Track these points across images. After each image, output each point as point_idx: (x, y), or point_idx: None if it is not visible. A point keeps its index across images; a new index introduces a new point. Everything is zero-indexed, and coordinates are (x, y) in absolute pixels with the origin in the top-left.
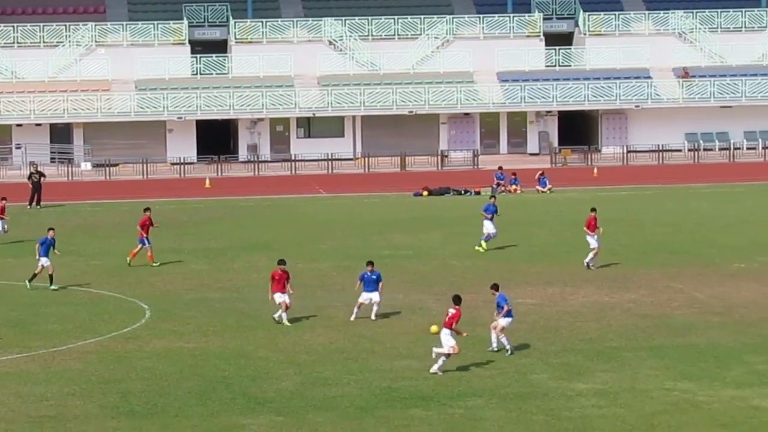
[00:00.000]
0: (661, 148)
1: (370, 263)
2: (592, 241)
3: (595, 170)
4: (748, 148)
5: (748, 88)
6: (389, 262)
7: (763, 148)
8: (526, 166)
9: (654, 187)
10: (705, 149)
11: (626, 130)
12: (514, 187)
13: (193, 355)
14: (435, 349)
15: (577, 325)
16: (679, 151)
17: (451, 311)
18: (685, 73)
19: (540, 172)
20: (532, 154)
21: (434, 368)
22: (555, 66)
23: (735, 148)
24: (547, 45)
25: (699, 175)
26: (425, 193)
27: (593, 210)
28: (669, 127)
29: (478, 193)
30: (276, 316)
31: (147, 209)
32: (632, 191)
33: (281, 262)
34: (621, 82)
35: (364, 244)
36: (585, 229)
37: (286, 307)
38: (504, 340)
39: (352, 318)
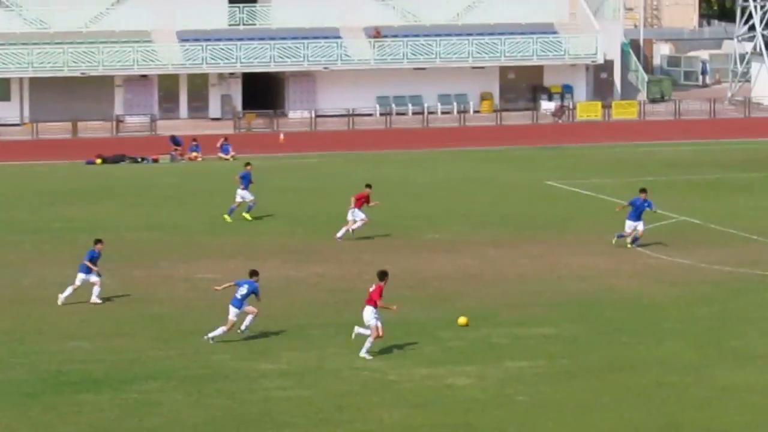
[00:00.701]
0: (351, 113)
1: (99, 241)
2: (351, 215)
3: (282, 136)
4: (442, 113)
5: (443, 49)
6: (59, 234)
7: (458, 112)
8: (207, 132)
9: (344, 153)
10: (398, 113)
11: (315, 94)
12: (194, 154)
13: None
14: (357, 330)
15: (262, 301)
16: (371, 115)
17: (373, 287)
18: (376, 33)
19: (222, 138)
20: (213, 119)
21: (362, 352)
22: (239, 25)
23: (429, 113)
24: (230, 3)
25: (391, 141)
26: (99, 161)
27: (368, 186)
28: (360, 90)
29: (155, 160)
30: None
31: None
32: (321, 158)
33: None
34: (309, 43)
35: (33, 217)
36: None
37: None
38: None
39: (96, 301)
